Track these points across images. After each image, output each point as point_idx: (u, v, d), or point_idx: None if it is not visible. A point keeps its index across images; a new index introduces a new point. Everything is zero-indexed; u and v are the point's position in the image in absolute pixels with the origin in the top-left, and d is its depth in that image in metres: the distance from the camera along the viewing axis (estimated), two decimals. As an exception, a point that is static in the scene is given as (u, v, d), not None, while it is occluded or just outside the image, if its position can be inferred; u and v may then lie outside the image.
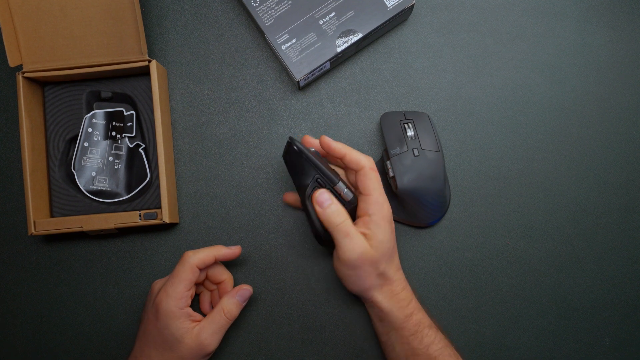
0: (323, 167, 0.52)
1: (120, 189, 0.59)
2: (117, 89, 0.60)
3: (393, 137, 0.57)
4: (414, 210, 0.57)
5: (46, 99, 0.60)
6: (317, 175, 0.52)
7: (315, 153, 0.54)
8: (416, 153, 0.56)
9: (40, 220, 0.56)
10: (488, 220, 0.59)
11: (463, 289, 0.59)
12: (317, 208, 0.51)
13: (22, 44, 0.56)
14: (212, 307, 0.57)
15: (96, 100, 0.60)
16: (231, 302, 0.54)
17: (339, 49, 0.57)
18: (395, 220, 0.58)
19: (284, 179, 0.60)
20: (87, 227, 0.56)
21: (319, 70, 0.58)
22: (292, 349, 0.59)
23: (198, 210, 0.60)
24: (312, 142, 0.55)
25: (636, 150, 0.60)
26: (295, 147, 0.52)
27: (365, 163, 0.52)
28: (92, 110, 0.60)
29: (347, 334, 0.58)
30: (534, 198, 0.60)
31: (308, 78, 0.58)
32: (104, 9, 0.55)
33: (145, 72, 0.59)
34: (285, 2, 0.57)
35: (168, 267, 0.59)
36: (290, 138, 0.52)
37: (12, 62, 0.55)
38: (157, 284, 0.56)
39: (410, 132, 0.57)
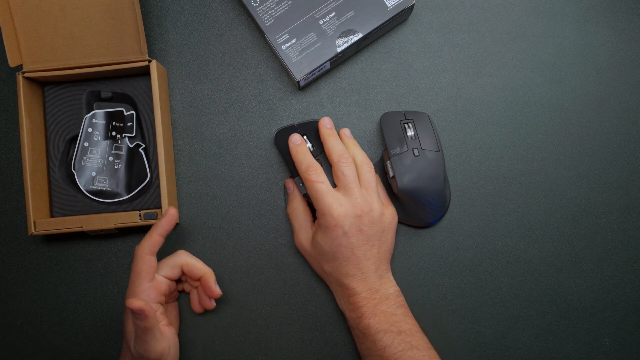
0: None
1: (121, 189, 0.59)
2: (117, 89, 0.60)
3: (393, 137, 0.57)
4: (414, 210, 0.57)
5: (46, 99, 0.60)
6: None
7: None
8: (416, 153, 0.56)
9: (40, 220, 0.56)
10: (488, 220, 0.59)
11: (463, 289, 0.59)
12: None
13: (22, 44, 0.56)
14: (201, 304, 0.57)
15: (96, 100, 0.60)
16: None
17: (339, 49, 0.57)
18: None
19: (284, 178, 0.60)
20: (87, 227, 0.56)
21: (319, 70, 0.58)
22: (292, 349, 0.59)
23: (198, 210, 0.60)
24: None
25: (636, 150, 0.60)
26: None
27: (334, 158, 0.55)
28: (92, 110, 0.60)
29: (347, 334, 0.58)
30: (534, 198, 0.60)
31: (308, 78, 0.58)
32: (104, 9, 0.55)
33: (145, 72, 0.59)
34: (285, 2, 0.57)
35: (168, 267, 0.59)
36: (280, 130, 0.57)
37: (12, 62, 0.55)
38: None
39: (410, 132, 0.57)
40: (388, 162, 0.57)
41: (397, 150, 0.56)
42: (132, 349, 0.51)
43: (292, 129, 0.58)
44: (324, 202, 0.53)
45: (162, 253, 0.60)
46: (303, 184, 0.56)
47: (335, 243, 0.53)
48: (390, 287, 0.55)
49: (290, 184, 0.58)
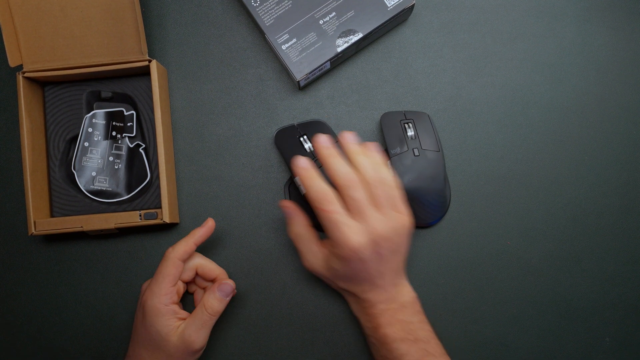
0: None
1: (121, 189, 0.59)
2: (117, 89, 0.60)
3: (393, 137, 0.57)
4: (414, 210, 0.57)
5: (46, 99, 0.60)
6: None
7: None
8: (416, 153, 0.56)
9: (40, 220, 0.56)
10: (488, 220, 0.59)
11: (463, 289, 0.59)
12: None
13: (22, 44, 0.56)
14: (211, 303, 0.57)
15: (96, 100, 0.60)
16: (212, 298, 0.53)
17: (339, 49, 0.57)
18: None
19: (284, 178, 0.60)
20: (87, 227, 0.56)
21: (319, 70, 0.58)
22: (292, 349, 0.59)
23: (198, 210, 0.60)
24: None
25: (636, 150, 0.60)
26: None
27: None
28: (92, 110, 0.60)
29: (347, 334, 0.58)
30: (534, 198, 0.60)
31: (308, 78, 0.58)
32: (104, 9, 0.55)
33: (145, 72, 0.59)
34: (286, 2, 0.57)
35: (168, 267, 0.60)
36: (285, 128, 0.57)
37: (12, 62, 0.55)
38: (145, 284, 0.56)
39: (410, 132, 0.57)
40: (388, 162, 0.57)
41: (397, 150, 0.56)
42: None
43: (292, 129, 0.58)
44: (340, 233, 0.49)
45: (162, 252, 0.60)
46: (304, 185, 0.55)
47: (351, 269, 0.51)
48: (406, 294, 0.54)
49: (288, 208, 0.54)
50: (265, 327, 0.59)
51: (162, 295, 0.52)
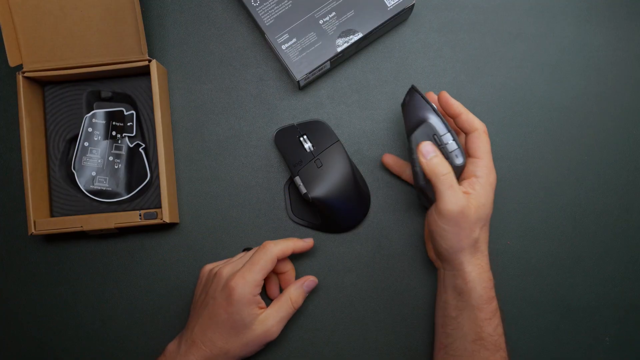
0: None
1: (121, 188, 0.59)
2: (117, 89, 0.60)
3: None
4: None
5: (46, 99, 0.60)
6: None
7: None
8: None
9: (40, 220, 0.56)
10: (488, 220, 0.59)
11: (463, 289, 0.59)
12: (421, 159, 0.51)
13: (22, 44, 0.56)
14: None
15: (96, 100, 0.60)
16: (298, 292, 0.56)
17: (339, 49, 0.57)
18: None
19: (284, 178, 0.60)
20: (87, 227, 0.56)
21: (319, 70, 0.58)
22: (292, 348, 0.59)
23: (198, 210, 0.60)
24: (432, 98, 0.56)
25: (636, 150, 0.60)
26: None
27: (479, 126, 0.53)
28: (92, 110, 0.60)
29: (348, 334, 0.58)
30: (534, 198, 0.60)
31: (308, 78, 0.58)
32: (104, 8, 0.55)
33: (145, 72, 0.59)
34: (286, 1, 0.57)
35: (168, 267, 0.59)
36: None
37: (12, 62, 0.55)
38: (225, 269, 0.54)
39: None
40: (449, 135, 0.53)
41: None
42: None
43: (292, 129, 0.58)
44: (491, 160, 0.53)
45: (162, 252, 0.60)
46: (304, 184, 0.56)
47: (492, 204, 0.53)
48: None
49: (430, 147, 0.51)
50: None
51: (254, 286, 0.52)
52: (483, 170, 0.52)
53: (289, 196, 0.60)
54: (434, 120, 0.52)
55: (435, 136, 0.52)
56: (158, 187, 0.59)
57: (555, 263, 0.59)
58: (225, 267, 0.54)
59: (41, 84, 0.59)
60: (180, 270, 0.59)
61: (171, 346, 0.54)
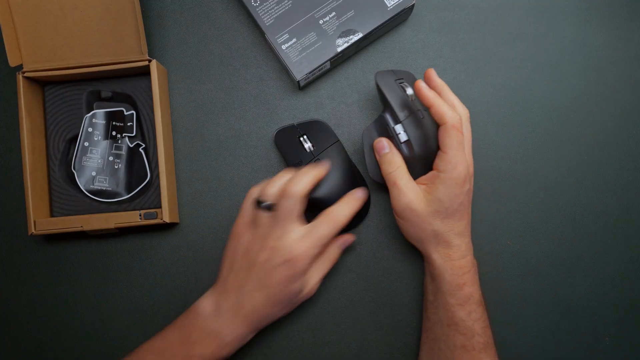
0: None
1: (121, 188, 0.59)
2: (117, 89, 0.60)
3: (397, 100, 0.54)
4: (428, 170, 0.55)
5: (46, 99, 0.60)
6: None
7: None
8: (420, 115, 0.54)
9: (40, 220, 0.56)
10: (488, 220, 0.59)
11: (463, 289, 0.59)
12: (376, 155, 0.53)
13: (22, 44, 0.56)
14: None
15: (96, 100, 0.60)
16: (337, 251, 0.56)
17: (339, 49, 0.57)
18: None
19: (284, 178, 0.60)
20: (87, 227, 0.56)
21: (319, 70, 0.58)
22: (292, 348, 0.59)
23: (198, 210, 0.60)
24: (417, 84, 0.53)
25: (636, 150, 0.60)
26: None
27: (448, 119, 0.51)
28: (92, 110, 0.60)
29: (348, 334, 0.58)
30: (534, 198, 0.60)
31: (308, 78, 0.58)
32: (104, 8, 0.55)
33: (145, 72, 0.59)
34: (286, 1, 0.57)
35: (168, 267, 0.59)
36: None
37: (12, 62, 0.55)
38: (252, 192, 0.53)
39: (409, 91, 0.54)
40: (399, 126, 0.54)
41: (406, 113, 0.54)
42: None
43: (292, 129, 0.58)
44: (459, 155, 0.51)
45: (162, 252, 0.60)
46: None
47: (458, 199, 0.51)
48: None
49: (385, 142, 0.53)
50: (265, 327, 0.59)
51: (314, 257, 0.52)
52: (446, 165, 0.51)
53: None
54: (388, 110, 0.53)
55: (388, 128, 0.54)
56: (158, 187, 0.59)
57: (555, 263, 0.59)
58: (252, 191, 0.53)
59: (41, 84, 0.59)
60: (180, 270, 0.59)
61: (206, 305, 0.52)
